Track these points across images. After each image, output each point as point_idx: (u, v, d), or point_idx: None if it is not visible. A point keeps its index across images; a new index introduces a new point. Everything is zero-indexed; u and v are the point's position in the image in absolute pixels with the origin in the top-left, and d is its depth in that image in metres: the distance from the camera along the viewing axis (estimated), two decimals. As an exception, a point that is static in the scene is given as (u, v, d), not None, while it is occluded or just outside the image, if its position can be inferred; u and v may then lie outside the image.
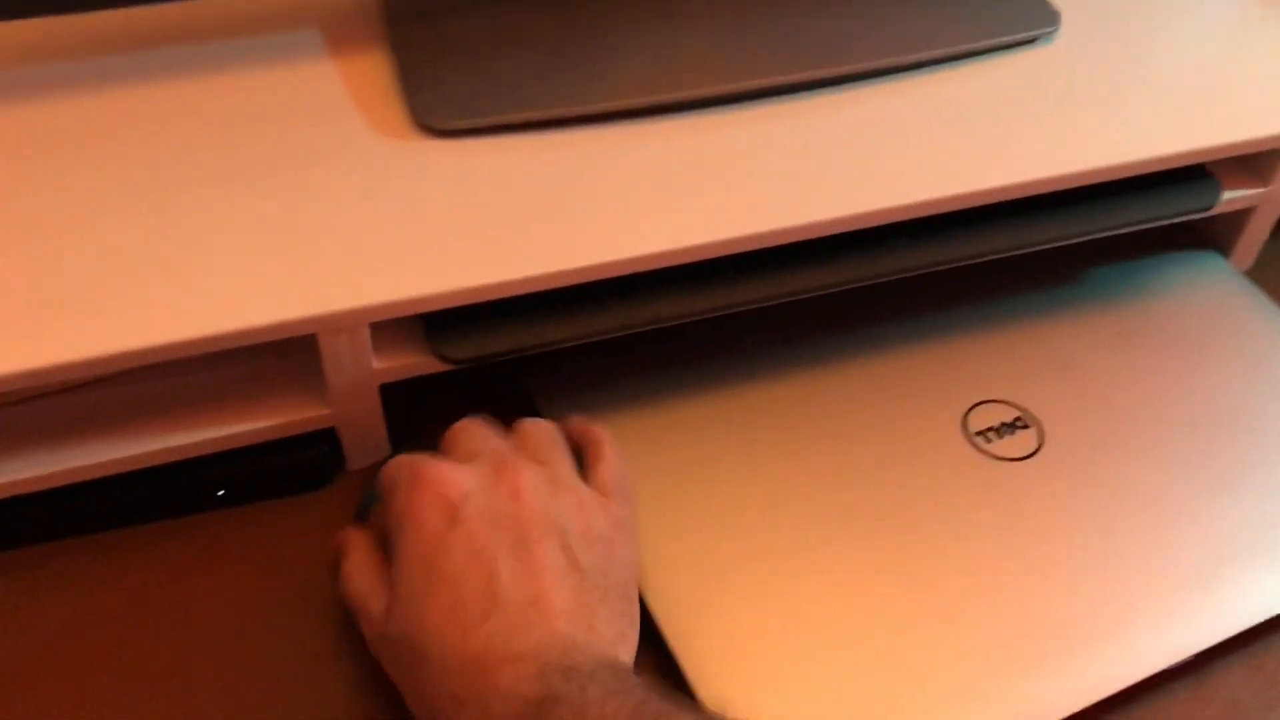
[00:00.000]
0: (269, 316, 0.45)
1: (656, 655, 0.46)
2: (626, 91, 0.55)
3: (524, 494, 0.43)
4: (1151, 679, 0.46)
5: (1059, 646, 0.46)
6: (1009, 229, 0.55)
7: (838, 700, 0.44)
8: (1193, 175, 0.59)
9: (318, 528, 0.50)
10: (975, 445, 0.52)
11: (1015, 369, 0.56)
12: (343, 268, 0.47)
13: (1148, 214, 0.57)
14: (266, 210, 0.49)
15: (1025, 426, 0.53)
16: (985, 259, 0.55)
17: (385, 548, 0.44)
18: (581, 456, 0.48)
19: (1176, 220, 0.59)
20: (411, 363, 0.49)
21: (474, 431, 0.46)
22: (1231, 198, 0.60)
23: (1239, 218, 0.62)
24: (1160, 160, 0.55)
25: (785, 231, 0.50)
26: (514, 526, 0.42)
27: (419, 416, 0.51)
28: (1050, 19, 0.62)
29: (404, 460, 0.45)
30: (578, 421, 0.49)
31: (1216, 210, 0.59)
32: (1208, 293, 0.61)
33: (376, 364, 0.49)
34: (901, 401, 0.54)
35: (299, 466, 0.51)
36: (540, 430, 0.47)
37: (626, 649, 0.42)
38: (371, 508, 0.48)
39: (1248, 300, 0.61)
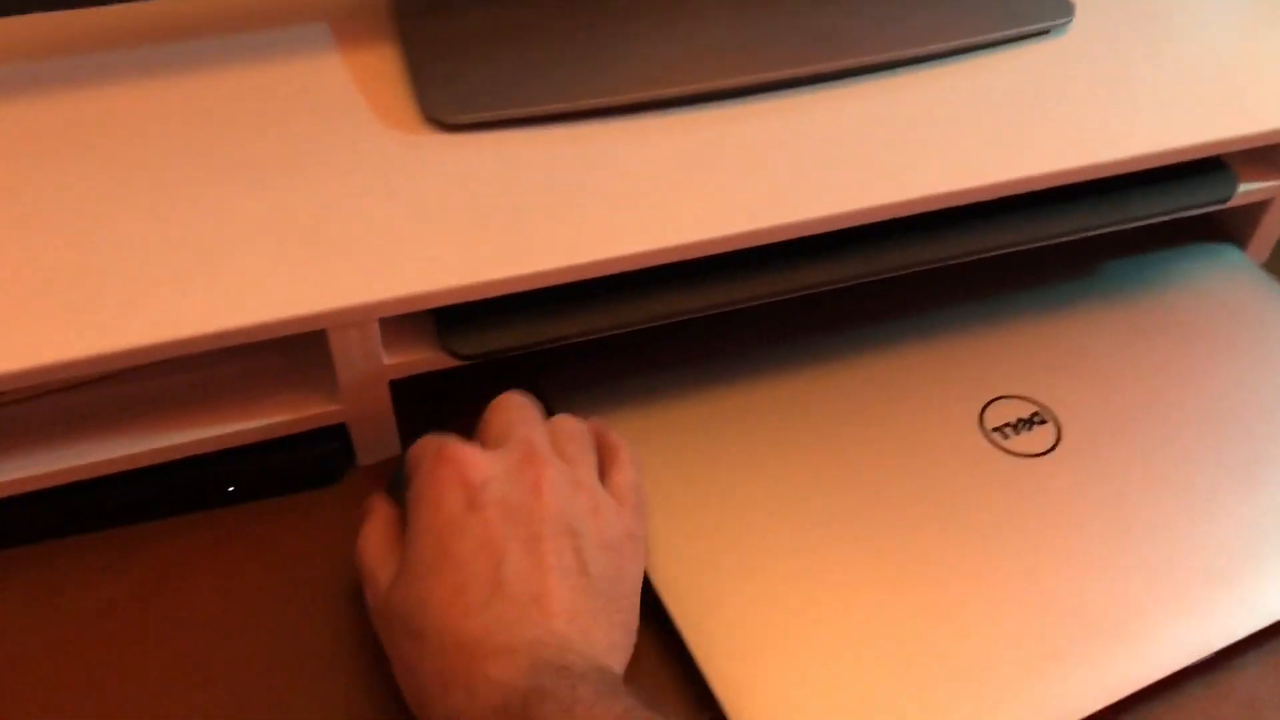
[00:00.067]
0: (279, 312, 0.45)
1: (672, 655, 0.46)
2: (635, 85, 0.54)
3: (544, 490, 0.43)
4: (1168, 676, 0.46)
5: (1077, 645, 0.45)
6: (1024, 223, 0.55)
7: (855, 696, 0.44)
8: (1209, 167, 0.59)
9: (328, 524, 0.50)
10: (992, 441, 0.52)
11: (1032, 364, 0.55)
12: (352, 263, 0.47)
13: (1164, 207, 0.57)
14: (275, 206, 0.49)
15: (1043, 422, 0.53)
16: (1000, 253, 0.55)
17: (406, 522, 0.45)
18: (600, 460, 0.48)
19: (1193, 213, 0.58)
20: (421, 358, 0.49)
21: (513, 413, 0.46)
22: (1248, 190, 0.60)
23: (1256, 210, 0.62)
24: (1176, 152, 0.55)
25: (797, 226, 0.50)
26: (529, 521, 0.42)
27: (429, 412, 0.51)
28: (1064, 10, 0.61)
29: (433, 439, 0.45)
30: (596, 424, 0.49)
31: (1233, 203, 0.59)
32: (1225, 285, 0.61)
33: (386, 360, 0.49)
34: (917, 397, 0.54)
35: (309, 463, 0.51)
36: (574, 428, 0.47)
37: (619, 660, 0.42)
38: (402, 483, 0.48)
39: (1265, 292, 0.61)
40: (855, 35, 0.58)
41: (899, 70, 0.58)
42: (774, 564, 0.47)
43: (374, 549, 0.44)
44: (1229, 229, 0.64)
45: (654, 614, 0.47)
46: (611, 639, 0.42)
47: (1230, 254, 0.63)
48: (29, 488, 0.47)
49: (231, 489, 0.51)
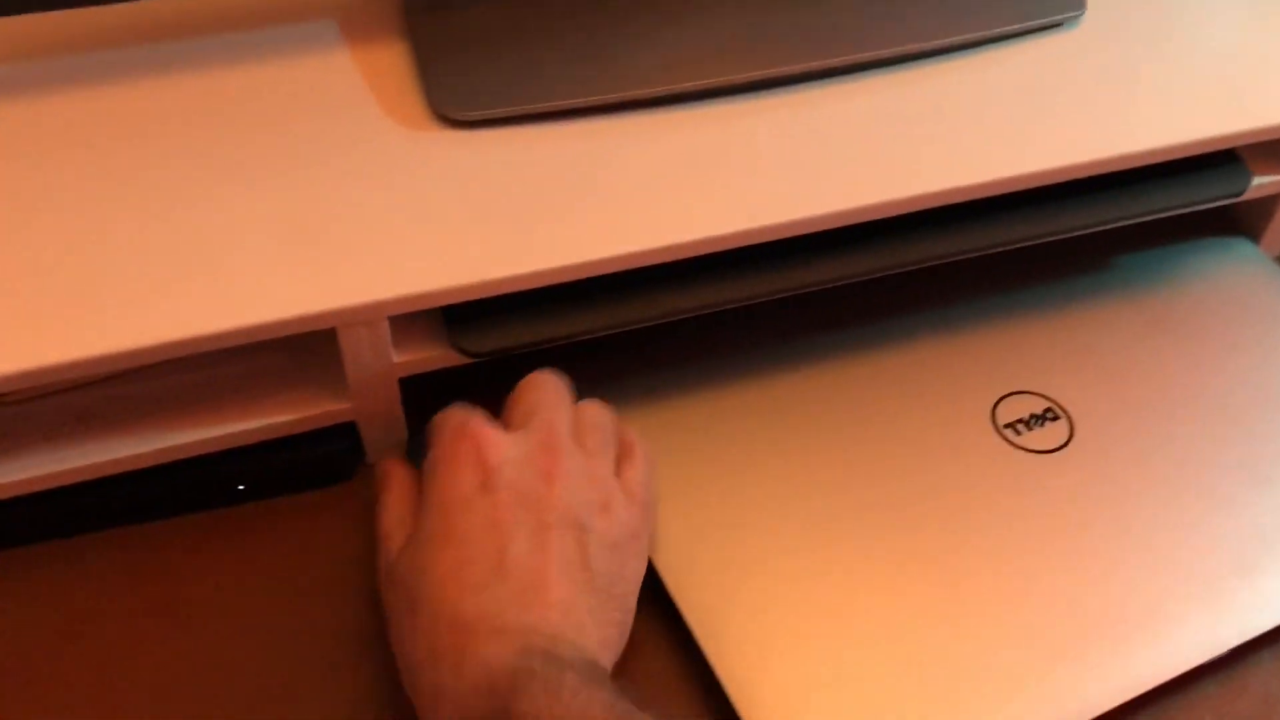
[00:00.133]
0: (288, 311, 0.45)
1: (682, 653, 0.46)
2: (645, 80, 0.54)
3: (557, 481, 0.43)
4: (1183, 674, 0.46)
5: (1091, 642, 0.45)
6: (1036, 217, 0.55)
7: (867, 694, 0.44)
8: (1222, 161, 0.59)
9: (337, 522, 0.50)
10: (1005, 437, 0.52)
11: (1044, 359, 0.55)
12: (361, 261, 0.47)
13: (1176, 200, 0.57)
14: (283, 203, 0.49)
15: (1055, 418, 0.53)
16: (1012, 247, 0.55)
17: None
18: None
19: (1205, 207, 0.58)
20: (431, 356, 0.49)
21: (542, 394, 0.47)
22: (1261, 184, 0.59)
23: (1269, 204, 0.62)
24: (1188, 146, 0.55)
25: (808, 221, 0.50)
26: (539, 509, 0.42)
27: (438, 409, 0.51)
28: (1075, 3, 0.61)
29: (458, 410, 0.46)
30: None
31: (1246, 196, 0.59)
32: (1238, 279, 0.60)
33: (396, 357, 0.49)
34: (929, 393, 0.54)
35: (318, 461, 0.51)
36: (598, 418, 0.47)
37: (609, 657, 0.43)
38: (421, 448, 0.48)
39: (1279, 286, 0.60)
40: (864, 29, 0.57)
41: (908, 65, 0.57)
42: (785, 561, 0.47)
43: (391, 513, 0.45)
44: (1243, 223, 0.64)
45: (664, 611, 0.47)
46: (604, 635, 0.42)
47: (1244, 248, 0.63)
48: (38, 487, 0.47)
49: (241, 488, 0.51)
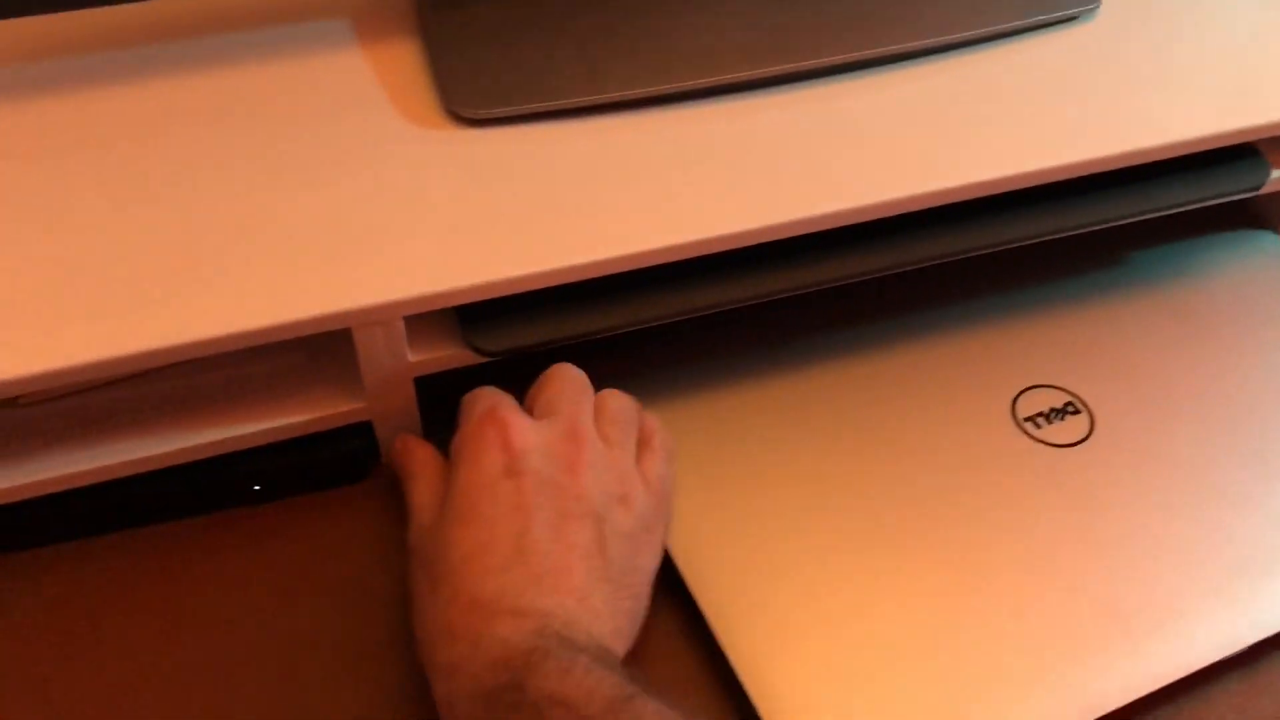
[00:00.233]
0: (304, 311, 0.45)
1: (701, 649, 0.46)
2: (660, 77, 0.54)
3: (579, 471, 0.44)
4: (1203, 670, 0.46)
5: (1112, 637, 0.45)
6: (1055, 212, 0.55)
7: (888, 688, 0.44)
8: (1241, 154, 0.58)
9: (353, 521, 0.50)
10: (1025, 431, 0.52)
11: (1064, 353, 0.55)
12: (376, 261, 0.47)
13: (1195, 194, 0.57)
14: (297, 203, 0.49)
15: (1076, 411, 0.52)
16: (1031, 243, 0.54)
17: None
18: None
19: (1224, 200, 0.57)
20: (446, 355, 0.49)
21: (564, 385, 0.47)
22: (1280, 176, 0.59)
23: (1289, 197, 0.61)
24: (1207, 139, 0.54)
25: (826, 217, 0.50)
26: (560, 497, 0.43)
27: (453, 409, 0.51)
28: (1091, -5, 0.60)
29: (487, 393, 0.47)
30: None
31: (1266, 189, 0.58)
32: (1259, 272, 0.60)
33: (411, 357, 0.49)
34: (949, 388, 0.53)
35: (334, 460, 0.51)
36: (620, 408, 0.48)
37: (622, 645, 0.43)
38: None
39: (1300, 279, 0.60)
40: (879, 24, 0.57)
41: (922, 60, 0.57)
42: (804, 557, 0.47)
43: (424, 489, 0.46)
44: (1262, 217, 0.64)
45: (683, 605, 0.47)
46: (617, 624, 0.43)
47: (1266, 240, 0.62)
48: (56, 488, 0.47)
49: (257, 488, 0.51)
